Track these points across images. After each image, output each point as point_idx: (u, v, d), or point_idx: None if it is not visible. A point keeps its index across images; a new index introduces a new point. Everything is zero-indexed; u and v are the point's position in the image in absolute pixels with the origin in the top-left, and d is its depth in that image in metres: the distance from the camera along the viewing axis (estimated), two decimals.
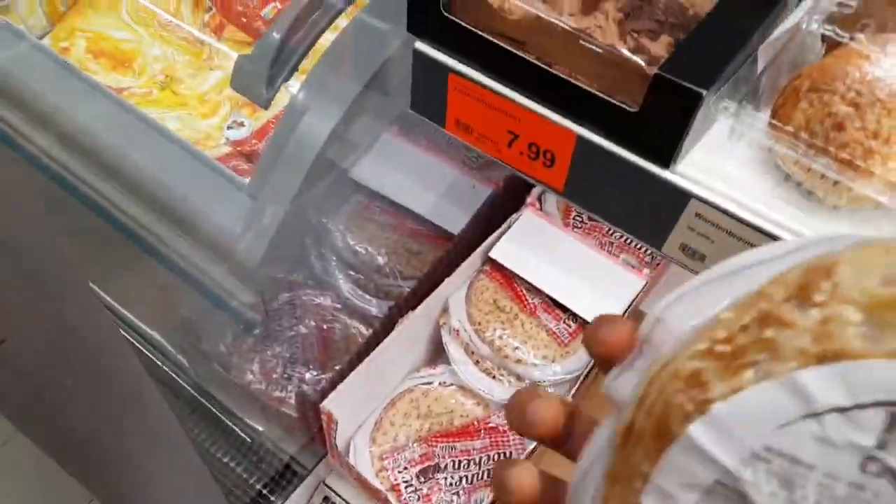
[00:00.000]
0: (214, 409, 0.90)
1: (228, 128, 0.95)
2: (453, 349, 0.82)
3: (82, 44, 1.07)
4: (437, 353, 0.88)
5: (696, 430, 0.19)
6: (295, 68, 0.52)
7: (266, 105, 0.53)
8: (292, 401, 0.78)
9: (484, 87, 0.45)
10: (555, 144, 0.45)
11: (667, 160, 0.41)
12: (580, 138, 0.44)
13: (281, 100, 0.67)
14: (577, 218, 0.87)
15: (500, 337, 0.81)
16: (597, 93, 0.41)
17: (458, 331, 0.82)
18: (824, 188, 0.39)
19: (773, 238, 0.39)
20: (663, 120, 0.39)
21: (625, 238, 0.86)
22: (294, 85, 0.64)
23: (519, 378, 0.81)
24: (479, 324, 0.82)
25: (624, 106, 0.40)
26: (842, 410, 0.18)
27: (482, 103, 0.46)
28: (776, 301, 0.19)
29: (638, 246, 0.86)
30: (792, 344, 0.19)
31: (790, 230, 0.39)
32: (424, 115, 0.50)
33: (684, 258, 0.45)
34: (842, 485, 0.18)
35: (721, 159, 0.42)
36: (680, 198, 0.42)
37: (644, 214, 0.45)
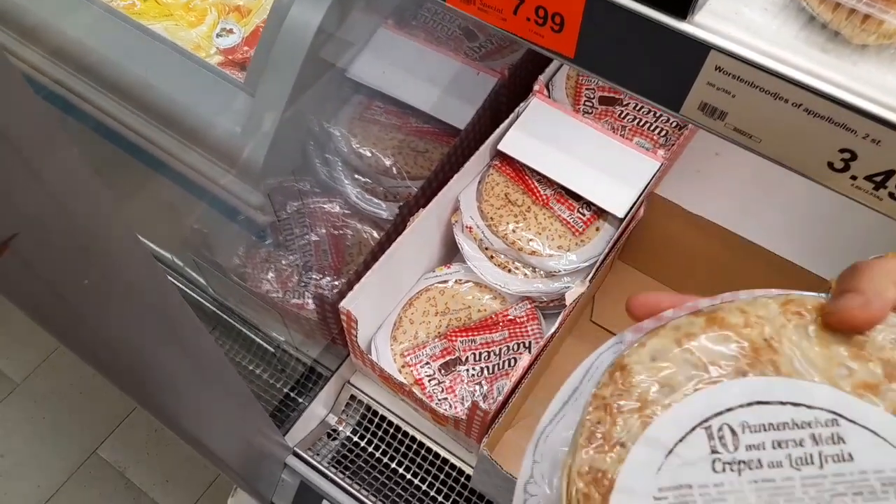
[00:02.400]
0: (235, 323, 0.91)
1: (218, 36, 0.91)
2: (467, 246, 0.82)
3: None
4: (450, 252, 0.88)
5: (614, 500, 0.27)
6: None
7: None
8: (311, 306, 0.79)
9: None
10: (563, 6, 0.42)
11: (683, 10, 0.38)
12: None
13: (269, 2, 0.63)
14: (588, 103, 0.85)
15: (514, 230, 0.80)
16: None
17: (470, 227, 0.81)
18: (852, 25, 0.36)
19: (798, 85, 0.37)
20: None
21: (637, 121, 0.83)
22: None
23: (534, 270, 0.81)
24: (492, 219, 0.81)
25: None
26: (681, 440, 0.28)
27: None
28: (608, 398, 0.30)
29: (651, 128, 0.83)
30: (631, 418, 0.29)
31: (816, 75, 0.37)
32: None
33: (704, 118, 0.43)
34: (712, 488, 0.27)
35: (742, 5, 0.39)
36: (699, 50, 0.39)
37: (661, 74, 0.42)
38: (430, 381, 0.78)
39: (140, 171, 0.74)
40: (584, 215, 0.80)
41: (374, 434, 0.82)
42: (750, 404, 0.29)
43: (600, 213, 0.80)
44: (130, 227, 0.33)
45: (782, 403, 0.29)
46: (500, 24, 0.46)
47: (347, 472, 0.79)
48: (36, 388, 1.45)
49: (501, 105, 0.84)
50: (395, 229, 0.75)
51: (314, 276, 0.83)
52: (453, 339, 0.81)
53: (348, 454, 0.81)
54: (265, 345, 0.90)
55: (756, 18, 0.39)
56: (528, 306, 0.82)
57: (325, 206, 0.86)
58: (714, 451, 0.28)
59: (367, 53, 0.83)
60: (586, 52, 0.44)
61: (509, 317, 0.82)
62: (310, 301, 0.80)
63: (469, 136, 0.82)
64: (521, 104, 0.82)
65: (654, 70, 0.42)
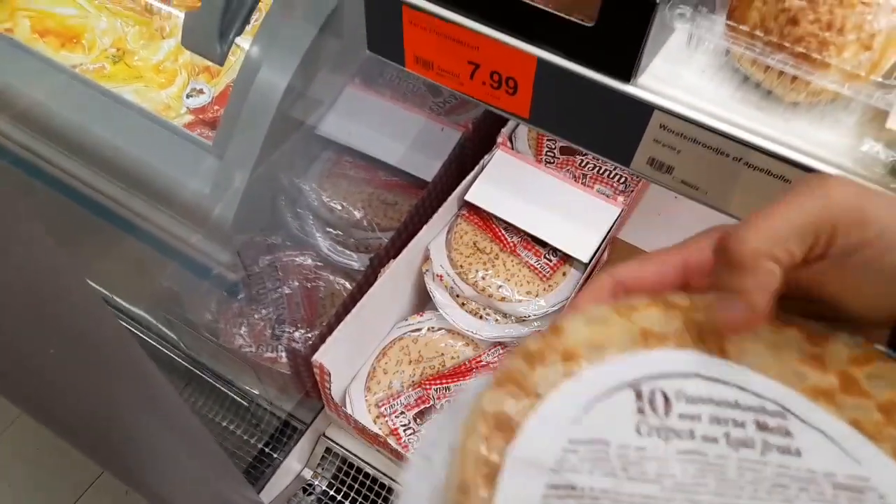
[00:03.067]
0: (209, 378, 0.90)
1: (188, 96, 0.93)
2: (438, 294, 0.83)
3: (26, 23, 1.03)
4: (422, 301, 0.89)
5: (517, 450, 0.24)
6: (247, 20, 0.51)
7: (221, 61, 0.52)
8: (284, 360, 0.79)
9: (438, 17, 0.45)
10: (516, 70, 0.45)
11: (627, 74, 0.41)
12: (540, 61, 0.43)
13: (239, 62, 0.65)
14: (549, 153, 0.88)
15: (483, 278, 0.81)
16: (553, 11, 0.41)
17: (441, 276, 0.83)
18: (783, 85, 0.39)
19: (737, 141, 0.40)
20: (620, 32, 0.39)
21: (597, 168, 0.87)
22: (248, 42, 0.62)
23: (505, 315, 0.82)
24: (462, 267, 0.82)
25: (581, 22, 0.40)
26: (605, 394, 0.26)
27: (439, 35, 0.46)
28: (532, 350, 0.27)
29: (611, 175, 0.86)
30: (552, 369, 0.26)
31: (753, 131, 0.40)
32: (383, 54, 0.50)
33: (653, 172, 0.45)
34: (632, 450, 0.25)
35: (681, 68, 0.42)
36: (643, 110, 0.42)
37: (610, 132, 0.45)
38: (405, 430, 0.78)
39: (110, 231, 0.74)
40: (550, 261, 0.82)
41: (350, 487, 0.82)
42: (689, 375, 0.26)
43: (566, 258, 0.82)
44: (90, 289, 0.33)
45: (726, 384, 0.26)
46: (457, 88, 0.48)
47: None
48: (2, 453, 1.40)
49: (467, 157, 0.87)
50: (366, 280, 0.76)
51: (287, 329, 0.83)
52: (427, 387, 0.81)
53: None
54: (239, 399, 0.90)
55: (695, 80, 0.42)
56: (501, 351, 0.83)
57: (297, 259, 0.87)
58: (640, 412, 0.25)
59: (336, 111, 0.86)
60: (540, 112, 0.46)
61: (482, 363, 0.83)
62: (283, 354, 0.80)
63: (437, 187, 0.84)
64: (486, 156, 0.85)
65: (604, 129, 0.45)
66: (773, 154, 0.39)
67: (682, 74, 0.42)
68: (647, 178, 0.46)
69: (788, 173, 0.40)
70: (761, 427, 0.26)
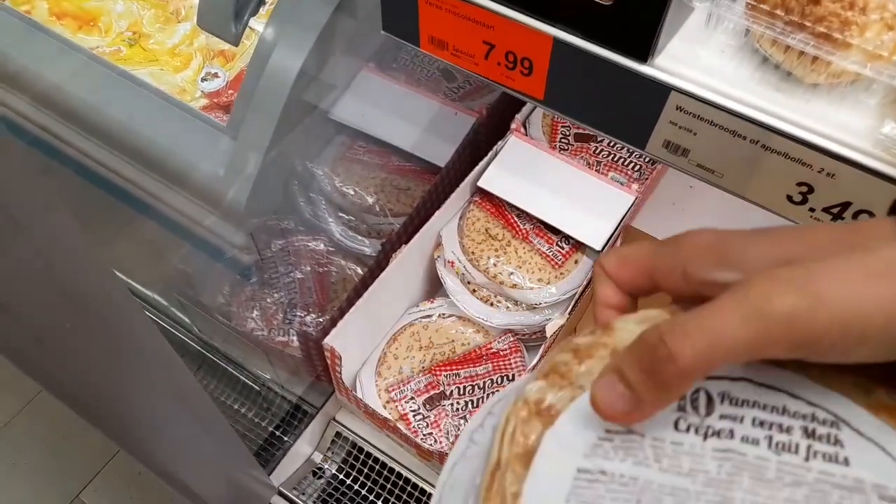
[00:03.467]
0: (220, 361, 0.91)
1: (203, 80, 0.93)
2: (449, 280, 0.83)
3: (44, 6, 1.04)
4: (434, 287, 0.89)
5: (553, 434, 0.25)
6: (262, 0, 0.51)
7: (236, 42, 0.52)
8: (295, 343, 0.79)
9: None
10: (531, 51, 0.45)
11: (644, 54, 0.40)
12: (556, 41, 0.43)
13: (253, 47, 0.65)
14: (564, 140, 0.87)
15: (495, 264, 0.81)
16: None
17: (452, 262, 0.82)
18: (803, 66, 0.39)
19: (755, 123, 0.39)
20: (637, 11, 0.39)
21: (612, 156, 0.86)
22: (262, 25, 0.62)
23: (516, 303, 0.82)
24: (473, 253, 0.82)
25: (598, 1, 0.40)
26: None
27: (454, 14, 0.45)
28: (581, 345, 0.27)
29: (625, 163, 0.86)
30: (599, 364, 0.26)
31: (771, 113, 0.39)
32: (398, 34, 0.50)
33: (668, 155, 0.45)
34: (668, 444, 0.25)
35: (699, 48, 0.42)
36: (660, 92, 0.41)
37: (625, 114, 0.44)
38: (414, 416, 0.79)
39: (125, 212, 0.75)
40: (563, 248, 0.81)
41: (359, 471, 0.82)
42: (738, 380, 0.26)
43: (579, 246, 0.81)
44: (111, 272, 0.34)
45: (777, 390, 0.25)
46: (472, 69, 0.48)
47: None
48: (17, 434, 1.42)
49: (481, 143, 0.86)
50: (377, 265, 0.76)
51: (299, 314, 0.83)
52: (438, 373, 0.81)
53: (334, 492, 0.81)
54: (250, 383, 0.90)
55: (713, 60, 0.42)
56: (511, 339, 0.83)
57: (309, 244, 0.87)
58: (681, 410, 0.25)
59: (349, 95, 0.86)
60: (555, 94, 0.46)
61: (492, 350, 0.83)
62: (294, 338, 0.80)
63: (450, 173, 0.83)
64: (500, 142, 0.85)
65: (620, 110, 0.44)
66: (791, 137, 0.38)
67: (701, 55, 0.41)
68: (662, 161, 0.45)
69: (807, 156, 0.39)
70: (809, 434, 0.25)
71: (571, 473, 0.24)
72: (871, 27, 0.36)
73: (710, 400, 0.25)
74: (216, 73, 0.94)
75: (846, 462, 0.24)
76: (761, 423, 0.25)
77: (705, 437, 0.25)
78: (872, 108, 0.39)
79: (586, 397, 0.25)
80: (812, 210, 0.42)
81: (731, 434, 0.25)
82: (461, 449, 0.27)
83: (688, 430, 0.25)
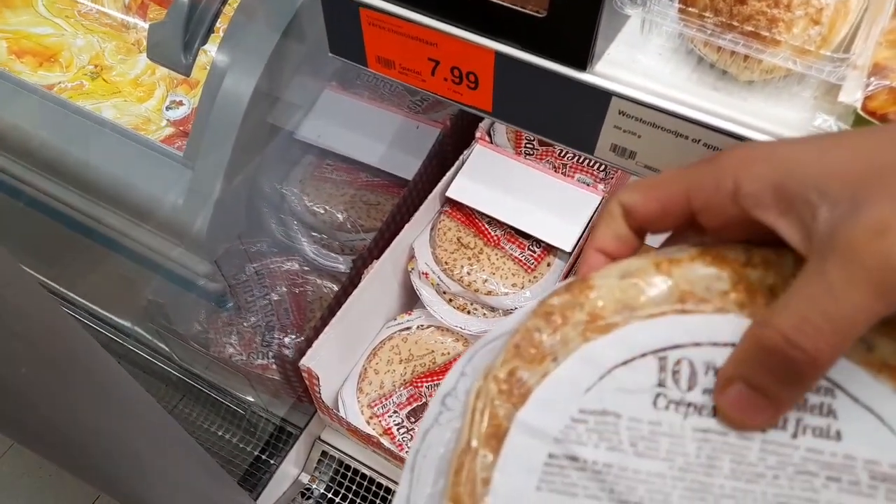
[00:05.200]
0: (203, 388, 0.91)
1: (167, 108, 0.93)
2: (425, 292, 0.83)
3: (3, 45, 1.04)
4: (410, 299, 0.89)
5: (524, 416, 0.23)
6: (210, 30, 0.51)
7: (187, 72, 0.52)
8: (275, 366, 0.79)
9: (395, 16, 0.45)
10: (475, 65, 0.45)
11: (582, 62, 0.41)
12: (498, 54, 0.44)
13: None
14: (528, 145, 0.88)
15: (469, 273, 0.82)
16: (506, 4, 0.41)
17: (426, 273, 0.83)
18: (737, 64, 0.40)
19: (694, 123, 0.40)
20: (571, 21, 0.39)
21: (577, 158, 0.87)
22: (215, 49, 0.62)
23: (492, 309, 0.82)
24: (447, 263, 0.83)
25: (534, 13, 0.40)
26: (625, 362, 0.24)
27: (398, 34, 0.46)
28: (555, 306, 0.25)
29: (591, 164, 0.86)
30: (573, 331, 0.24)
31: (709, 112, 0.40)
32: (345, 56, 0.50)
33: (617, 159, 0.45)
34: (645, 424, 0.23)
35: (637, 52, 0.42)
36: (601, 98, 0.42)
37: (572, 121, 0.45)
38: (398, 429, 0.79)
39: (93, 248, 0.74)
40: (534, 252, 0.82)
41: (348, 489, 0.82)
42: (725, 345, 0.23)
43: (550, 249, 0.82)
44: (61, 312, 0.34)
45: None
46: (420, 85, 0.48)
47: None
48: (2, 474, 1.40)
49: (447, 153, 0.87)
50: (350, 282, 0.76)
51: (277, 336, 0.83)
52: (419, 385, 0.81)
53: None
54: (234, 407, 0.90)
55: (651, 64, 0.42)
56: None
57: (283, 265, 0.88)
58: (661, 385, 0.23)
59: (314, 115, 0.86)
60: (503, 106, 0.47)
61: None
62: (273, 362, 0.80)
63: (418, 185, 0.84)
64: (466, 151, 0.85)
65: (566, 118, 0.45)
66: (729, 133, 0.39)
67: (639, 59, 0.42)
68: (612, 164, 0.46)
69: None
70: (799, 405, 0.23)
71: (542, 459, 0.23)
72: (797, 23, 0.37)
73: (693, 371, 0.24)
74: (181, 101, 0.94)
75: (837, 436, 0.22)
76: None
77: (686, 415, 0.23)
78: (807, 101, 0.40)
79: (558, 372, 0.24)
80: None
81: (714, 412, 0.23)
82: (434, 414, 0.26)
83: (667, 407, 0.23)
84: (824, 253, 0.21)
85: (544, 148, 0.87)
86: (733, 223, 0.24)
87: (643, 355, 0.24)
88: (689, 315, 0.24)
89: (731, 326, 0.24)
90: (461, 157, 0.85)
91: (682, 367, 0.24)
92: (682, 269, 0.25)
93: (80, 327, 0.35)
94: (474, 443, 0.23)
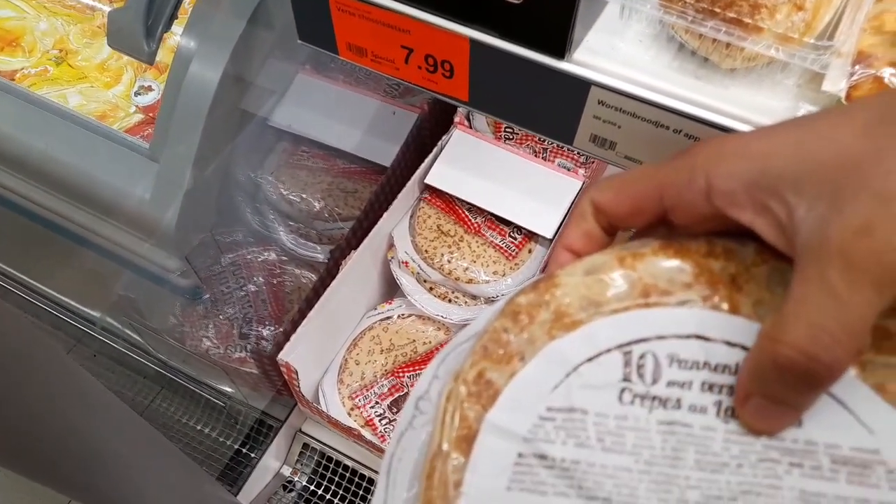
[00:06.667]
0: (181, 381, 0.89)
1: (136, 94, 0.90)
2: (405, 281, 0.82)
3: None
4: (390, 288, 0.88)
5: (493, 417, 0.23)
6: (174, 15, 0.49)
7: (150, 60, 0.50)
8: (253, 360, 0.78)
9: (366, 1, 0.43)
10: (450, 53, 0.44)
11: (560, 50, 0.40)
12: (473, 42, 0.42)
13: None
14: (508, 129, 0.86)
15: (450, 261, 0.81)
16: None
17: (406, 262, 0.82)
18: (718, 52, 0.38)
19: (674, 113, 0.39)
20: (548, 7, 0.38)
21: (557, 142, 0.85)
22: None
23: (473, 297, 0.81)
24: (427, 251, 0.81)
25: (510, 0, 0.39)
26: (590, 359, 0.24)
27: (369, 20, 0.44)
28: (522, 305, 0.25)
29: (571, 148, 0.85)
30: (540, 330, 0.24)
31: (690, 101, 0.39)
32: (315, 44, 0.48)
33: (596, 149, 0.44)
34: (611, 419, 0.23)
35: (617, 40, 0.41)
36: (580, 87, 0.41)
37: (550, 111, 0.44)
38: (380, 420, 0.78)
39: (61, 242, 0.72)
40: (515, 239, 0.81)
41: (330, 481, 0.81)
42: (688, 337, 0.24)
43: (531, 235, 0.81)
44: (16, 314, 0.32)
45: (730, 344, 0.24)
46: (394, 74, 0.46)
47: None
48: None
49: (426, 138, 0.85)
50: (328, 273, 0.75)
51: (255, 328, 0.82)
52: (401, 374, 0.81)
53: None
54: (213, 399, 0.89)
55: (631, 51, 0.41)
56: None
57: (260, 255, 0.86)
58: (626, 380, 0.24)
59: (288, 100, 0.84)
60: (479, 95, 0.45)
61: None
62: (251, 355, 0.79)
63: (396, 172, 0.82)
64: (445, 136, 0.84)
65: (543, 108, 0.44)
66: (710, 123, 0.38)
67: (619, 46, 0.41)
68: (591, 155, 0.45)
69: None
70: None
71: (512, 459, 0.23)
72: (780, 9, 0.36)
73: (657, 365, 0.24)
74: (150, 87, 0.91)
75: (799, 423, 0.23)
76: (710, 387, 0.24)
77: (651, 408, 0.24)
78: (790, 89, 0.39)
79: (526, 372, 0.24)
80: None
81: (678, 403, 0.24)
82: (408, 418, 0.26)
83: (633, 401, 0.24)
84: (819, 258, 0.21)
85: (524, 132, 0.86)
86: (705, 219, 0.24)
87: (608, 350, 0.24)
88: (652, 308, 0.25)
89: (695, 318, 0.24)
90: (440, 143, 0.84)
91: (647, 361, 0.24)
92: (646, 263, 0.25)
93: (31, 325, 0.33)
94: (445, 446, 0.24)
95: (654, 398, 0.24)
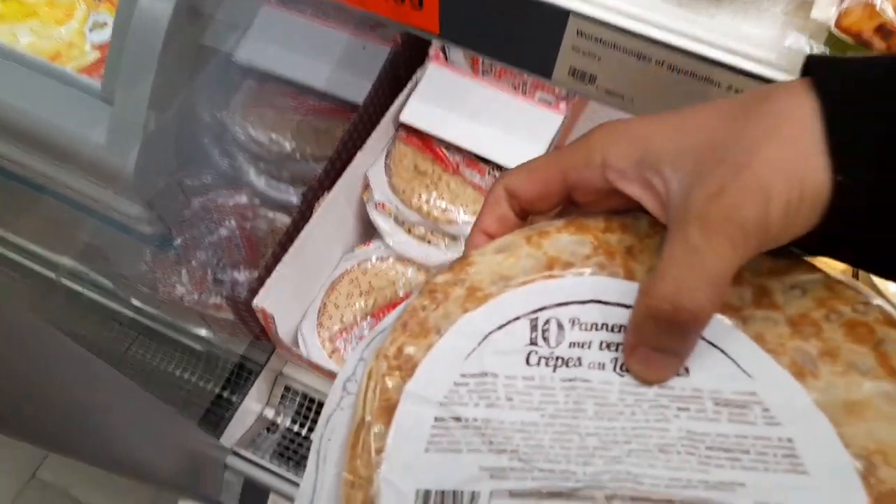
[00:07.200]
0: (158, 327, 0.88)
1: (90, 30, 0.85)
2: (382, 222, 0.80)
3: None
4: (368, 230, 0.86)
5: (411, 387, 0.25)
6: None
7: None
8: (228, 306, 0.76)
9: None
10: None
11: None
12: None
13: None
14: (486, 62, 0.83)
15: (427, 201, 0.79)
16: None
17: (383, 204, 0.80)
18: None
19: (658, 44, 0.37)
20: None
21: None
22: None
23: (453, 238, 0.80)
24: (404, 192, 0.79)
25: None
26: (500, 327, 0.26)
27: None
28: (439, 285, 0.28)
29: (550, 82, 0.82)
30: (454, 305, 0.27)
31: (674, 31, 0.37)
32: None
33: (576, 83, 0.42)
34: (519, 380, 0.26)
35: None
36: (558, 16, 0.38)
37: (526, 43, 0.41)
38: None
39: (20, 189, 0.69)
40: (495, 178, 0.79)
41: (314, 421, 0.82)
42: (587, 302, 0.27)
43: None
44: None
45: (625, 307, 0.26)
46: (358, 5, 0.43)
47: (291, 463, 0.79)
48: None
49: (399, 73, 0.82)
50: (301, 216, 0.73)
51: (229, 273, 0.80)
52: (381, 317, 0.80)
53: (290, 444, 0.81)
54: (191, 344, 0.88)
55: None
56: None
57: (231, 198, 0.83)
58: (533, 343, 0.26)
59: (252, 35, 0.79)
60: (451, 27, 0.42)
61: None
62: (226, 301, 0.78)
63: (369, 109, 0.79)
64: (419, 70, 0.80)
65: (520, 39, 0.41)
66: (694, 55, 0.36)
67: None
68: (571, 89, 0.43)
69: (713, 74, 0.37)
70: None
71: (430, 423, 0.25)
72: None
73: (560, 328, 0.26)
74: (105, 22, 0.86)
75: (686, 372, 0.25)
76: (608, 346, 0.26)
77: (555, 368, 0.26)
78: (777, 17, 0.37)
79: (441, 343, 0.26)
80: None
81: (579, 361, 0.26)
82: (336, 399, 0.27)
83: (538, 363, 0.26)
84: (682, 220, 0.24)
85: (503, 65, 0.83)
86: (602, 196, 0.27)
87: (516, 319, 0.27)
88: (555, 279, 0.27)
89: (594, 285, 0.27)
90: (414, 77, 0.80)
91: (551, 326, 0.26)
92: (550, 239, 0.28)
93: None
94: (368, 417, 0.25)
95: (557, 358, 0.26)
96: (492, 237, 0.29)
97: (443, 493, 0.23)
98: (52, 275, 0.82)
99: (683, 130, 0.25)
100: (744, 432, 0.24)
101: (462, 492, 0.23)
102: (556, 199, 0.28)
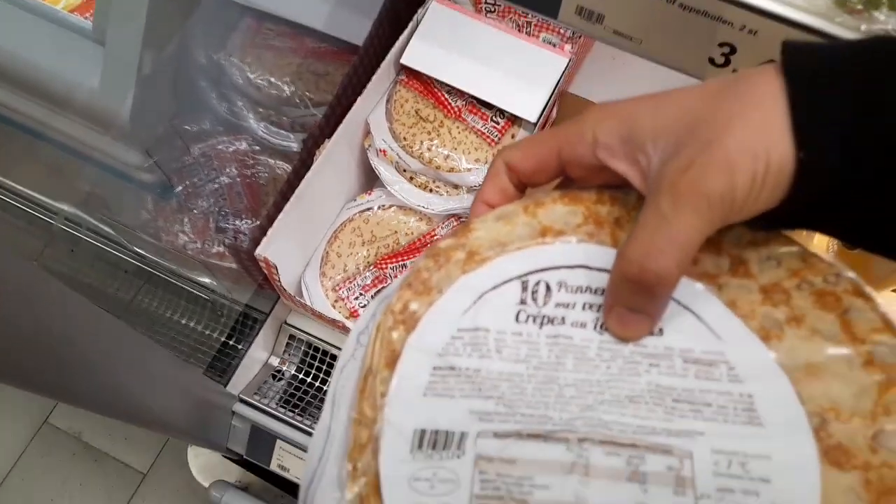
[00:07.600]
0: (162, 275, 0.88)
1: None
2: (384, 170, 0.79)
3: None
4: (370, 178, 0.85)
5: (413, 339, 0.28)
6: None
7: None
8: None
9: None
10: None
11: None
12: None
13: None
14: (489, 1, 0.80)
15: (429, 148, 0.77)
16: None
17: (384, 151, 0.78)
18: None
19: None
20: None
21: None
22: None
23: (455, 186, 0.79)
24: (405, 139, 0.78)
25: None
26: (494, 287, 0.29)
27: None
28: (442, 249, 0.30)
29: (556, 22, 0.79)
30: (455, 267, 0.29)
31: None
32: None
33: (583, 23, 0.40)
34: (509, 335, 0.28)
35: None
36: None
37: None
38: (364, 310, 0.78)
39: (23, 137, 0.68)
40: (497, 124, 0.77)
41: (318, 369, 0.83)
42: (574, 267, 0.29)
43: (514, 119, 0.77)
44: None
45: (608, 272, 0.28)
46: None
47: (297, 409, 0.80)
48: None
49: (401, 12, 0.79)
50: (302, 164, 0.71)
51: (231, 221, 0.80)
52: (383, 266, 0.80)
53: (296, 392, 0.82)
54: (196, 292, 0.88)
55: None
56: (455, 224, 0.81)
57: (231, 145, 0.82)
58: (522, 303, 0.29)
59: None
60: None
61: (437, 237, 0.81)
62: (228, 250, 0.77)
63: (369, 51, 0.77)
64: (420, 10, 0.77)
65: None
66: None
67: None
68: (578, 30, 0.41)
69: (727, 13, 0.35)
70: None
71: (428, 371, 0.28)
72: None
73: (548, 289, 0.29)
74: None
75: (660, 332, 0.28)
76: (591, 307, 0.28)
77: (541, 325, 0.28)
78: None
79: (441, 301, 0.29)
80: (735, 72, 0.39)
81: (563, 320, 0.28)
82: (350, 350, 0.30)
83: (527, 320, 0.28)
84: (656, 191, 0.26)
85: (507, 3, 0.79)
86: (594, 172, 0.29)
87: (509, 280, 0.29)
88: (548, 245, 0.30)
89: (582, 251, 0.29)
90: (415, 17, 0.77)
91: (540, 287, 0.29)
92: (545, 209, 0.30)
93: None
94: (375, 366, 0.28)
95: (544, 317, 0.28)
96: (493, 207, 0.31)
97: (436, 431, 0.27)
98: (54, 223, 0.81)
99: (666, 109, 0.27)
100: (708, 388, 0.26)
101: (453, 431, 0.26)
102: (552, 173, 0.30)
